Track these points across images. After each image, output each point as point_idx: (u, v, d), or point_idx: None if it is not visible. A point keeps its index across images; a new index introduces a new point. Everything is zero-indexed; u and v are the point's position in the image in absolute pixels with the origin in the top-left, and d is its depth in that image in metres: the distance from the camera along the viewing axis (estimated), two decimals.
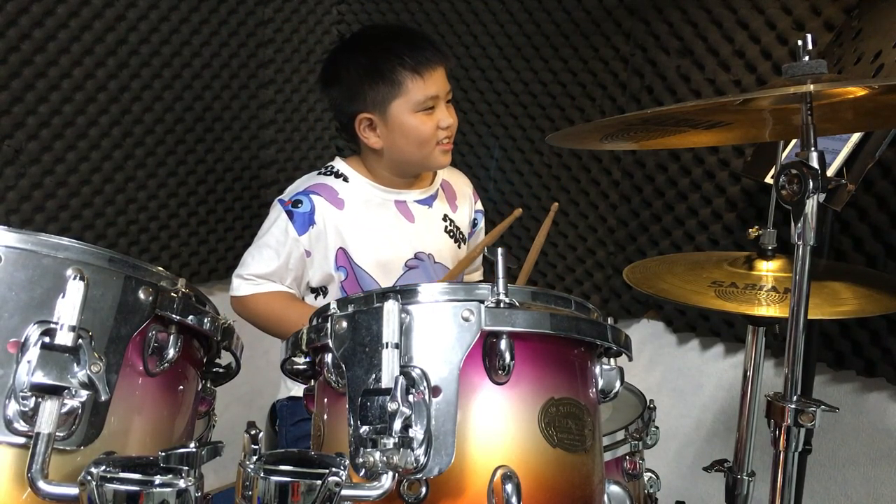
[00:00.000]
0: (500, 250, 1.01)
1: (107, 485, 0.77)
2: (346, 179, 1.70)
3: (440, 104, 1.65)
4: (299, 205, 1.64)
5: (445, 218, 1.78)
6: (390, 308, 0.92)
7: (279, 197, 1.68)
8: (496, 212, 2.42)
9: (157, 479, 0.79)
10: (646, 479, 1.46)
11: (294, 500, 0.83)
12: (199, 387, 1.09)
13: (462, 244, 1.81)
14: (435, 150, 1.66)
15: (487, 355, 0.95)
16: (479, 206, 1.91)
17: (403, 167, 1.71)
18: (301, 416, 1.66)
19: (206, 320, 0.99)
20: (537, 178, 2.34)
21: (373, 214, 1.69)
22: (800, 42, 1.09)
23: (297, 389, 1.68)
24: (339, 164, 1.73)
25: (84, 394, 0.84)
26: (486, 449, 0.94)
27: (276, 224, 1.64)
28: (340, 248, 1.65)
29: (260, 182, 2.52)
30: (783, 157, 1.53)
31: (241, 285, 1.66)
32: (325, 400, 1.04)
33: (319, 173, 1.72)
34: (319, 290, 1.69)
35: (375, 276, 1.66)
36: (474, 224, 1.88)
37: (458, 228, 1.80)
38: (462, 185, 1.87)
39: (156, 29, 2.16)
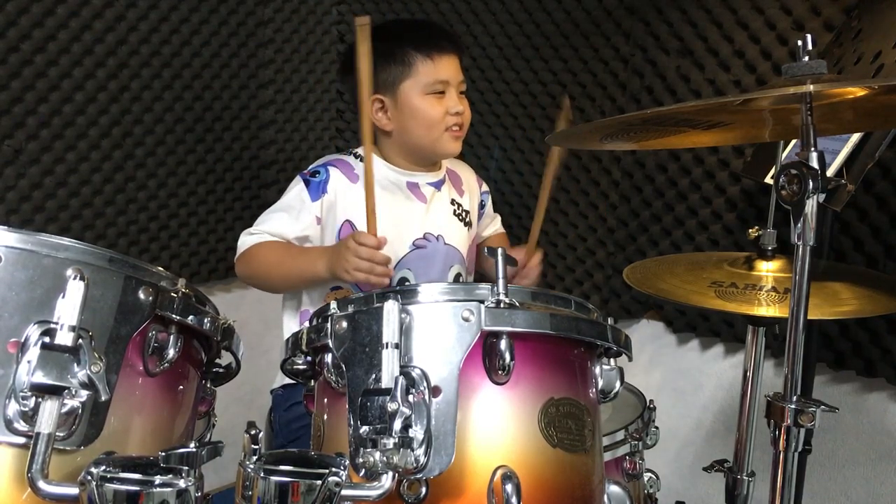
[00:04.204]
0: (500, 250, 1.01)
1: (107, 485, 0.77)
2: (362, 160, 1.72)
3: (451, 91, 1.66)
4: (316, 175, 1.67)
5: (453, 202, 1.80)
6: (390, 308, 0.92)
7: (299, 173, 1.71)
8: (496, 212, 2.41)
9: (157, 479, 0.79)
10: (646, 479, 1.46)
11: (294, 500, 0.83)
12: (199, 387, 1.09)
13: (470, 228, 1.84)
14: (443, 136, 1.67)
15: (487, 355, 0.95)
16: (485, 187, 1.94)
17: (413, 151, 1.72)
18: (294, 401, 1.67)
19: (206, 320, 0.99)
20: (537, 178, 2.34)
21: (385, 192, 1.70)
22: (800, 42, 1.09)
23: None
24: (360, 149, 1.75)
25: (84, 394, 0.84)
26: (486, 449, 0.94)
27: (293, 191, 1.67)
28: (347, 220, 1.66)
29: (260, 182, 2.52)
30: (783, 157, 1.53)
31: (246, 240, 1.64)
32: (325, 400, 1.04)
33: (341, 153, 1.76)
34: None
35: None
36: (482, 205, 1.91)
37: (466, 213, 1.82)
38: (465, 172, 1.90)
39: (156, 29, 2.16)
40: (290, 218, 1.64)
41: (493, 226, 1.99)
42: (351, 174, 1.69)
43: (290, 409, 1.68)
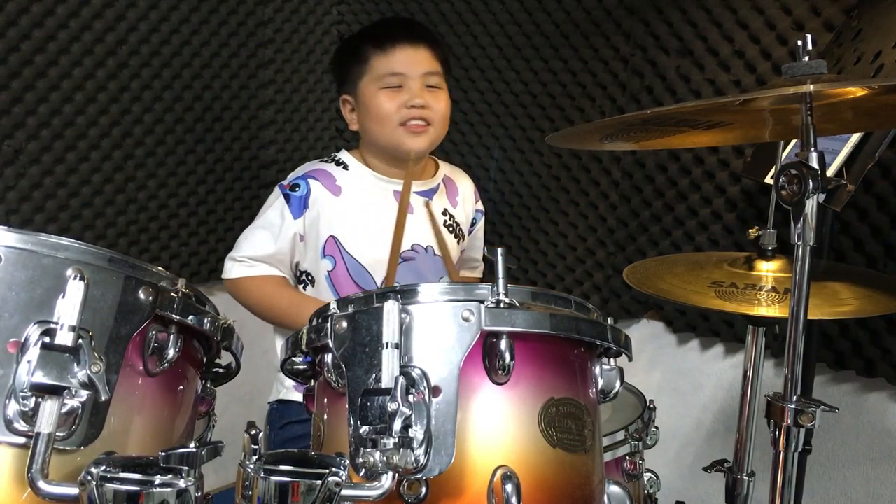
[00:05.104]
0: (500, 250, 1.01)
1: (107, 485, 0.77)
2: (346, 167, 1.70)
3: (410, 84, 1.62)
4: (297, 188, 1.63)
5: (445, 212, 1.77)
6: (390, 308, 0.91)
7: (281, 182, 1.68)
8: (496, 211, 2.42)
9: (157, 479, 0.79)
10: (646, 479, 1.46)
11: (294, 500, 0.83)
12: (199, 387, 1.09)
13: (462, 240, 1.81)
14: (398, 131, 1.62)
15: (487, 355, 0.95)
16: (480, 206, 1.91)
17: (380, 151, 1.69)
18: (289, 420, 1.65)
19: (206, 320, 0.99)
20: (537, 178, 2.34)
21: (369, 203, 1.67)
22: (800, 42, 1.09)
23: (287, 392, 1.68)
24: (342, 153, 1.73)
25: (84, 394, 0.84)
26: (486, 449, 0.94)
27: (273, 207, 1.64)
28: (331, 235, 1.64)
29: (260, 183, 2.52)
30: (783, 157, 1.53)
31: (233, 268, 1.64)
32: (325, 400, 1.04)
33: (322, 160, 1.73)
34: (306, 278, 1.68)
35: (367, 266, 1.64)
36: (473, 223, 1.88)
37: (457, 224, 1.79)
38: (464, 182, 1.87)
39: (156, 29, 2.16)
40: (271, 236, 1.62)
41: (476, 251, 1.91)
42: (332, 186, 1.65)
43: (284, 429, 1.66)
